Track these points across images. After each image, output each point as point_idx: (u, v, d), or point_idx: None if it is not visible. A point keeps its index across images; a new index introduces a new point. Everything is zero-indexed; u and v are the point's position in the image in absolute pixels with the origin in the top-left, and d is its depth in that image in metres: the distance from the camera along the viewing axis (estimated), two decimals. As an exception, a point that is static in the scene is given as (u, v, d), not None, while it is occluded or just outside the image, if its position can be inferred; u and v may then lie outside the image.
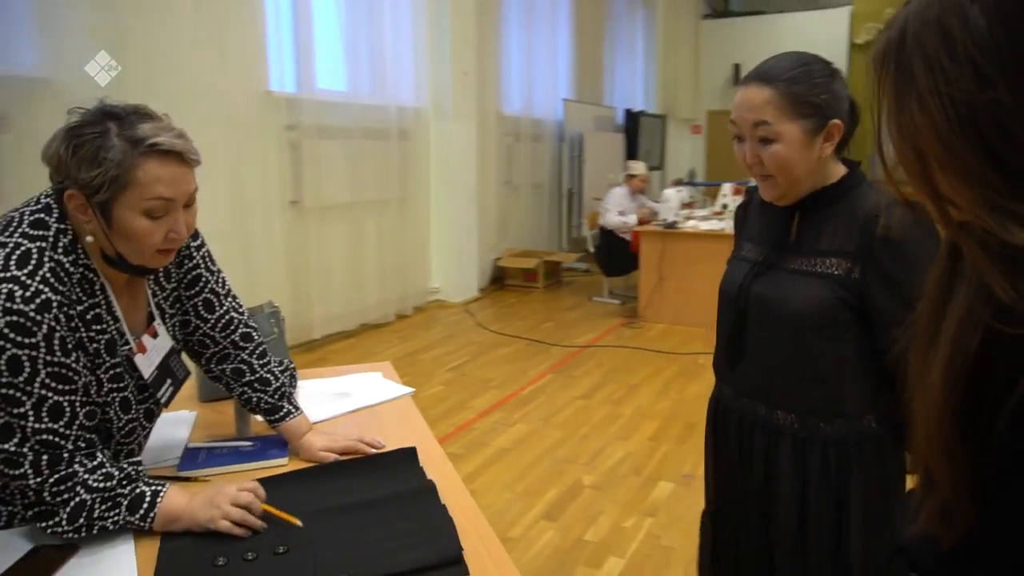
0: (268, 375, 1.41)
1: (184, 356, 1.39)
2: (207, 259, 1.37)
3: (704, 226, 5.70)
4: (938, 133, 0.57)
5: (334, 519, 1.16)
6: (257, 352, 1.42)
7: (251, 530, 1.11)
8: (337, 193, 5.08)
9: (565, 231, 8.65)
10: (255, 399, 1.40)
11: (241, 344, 1.41)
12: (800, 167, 1.14)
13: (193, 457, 1.39)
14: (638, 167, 6.60)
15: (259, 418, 1.52)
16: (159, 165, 1.06)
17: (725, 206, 6.49)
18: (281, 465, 1.38)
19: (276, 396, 1.42)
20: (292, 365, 1.50)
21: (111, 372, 1.17)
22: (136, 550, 1.09)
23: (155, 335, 1.27)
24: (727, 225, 5.75)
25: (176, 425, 1.57)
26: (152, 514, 1.10)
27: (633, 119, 9.96)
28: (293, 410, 1.43)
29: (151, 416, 1.31)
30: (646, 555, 2.44)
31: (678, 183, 7.83)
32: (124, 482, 1.10)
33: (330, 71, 5.08)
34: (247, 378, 1.40)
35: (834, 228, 1.15)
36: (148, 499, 1.11)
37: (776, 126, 1.11)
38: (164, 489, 1.13)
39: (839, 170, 1.19)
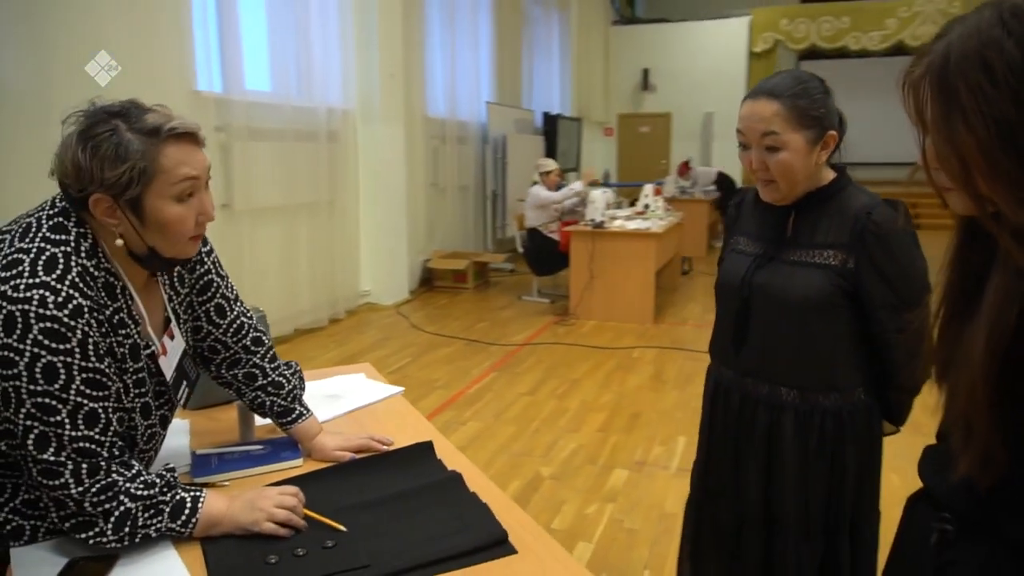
0: (280, 378, 1.43)
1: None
2: (217, 264, 1.38)
3: (631, 225, 5.93)
4: (981, 146, 0.69)
5: (371, 513, 1.19)
6: (268, 356, 1.44)
7: (294, 530, 1.14)
8: (269, 196, 4.98)
9: (490, 232, 8.76)
10: (268, 402, 1.42)
11: (252, 348, 1.42)
12: (801, 172, 1.29)
13: (205, 463, 1.38)
14: (549, 163, 6.78)
15: (263, 421, 1.53)
16: (178, 148, 1.08)
17: (647, 206, 6.77)
18: (297, 466, 1.39)
19: (289, 399, 1.43)
20: (298, 367, 1.52)
21: (136, 377, 1.16)
22: (179, 555, 1.10)
23: (172, 337, 1.27)
24: (652, 224, 6.02)
25: (172, 434, 1.55)
26: (194, 519, 1.11)
27: (551, 122, 10.20)
28: (305, 412, 1.45)
29: (165, 422, 1.30)
30: (612, 538, 2.56)
31: (594, 184, 8.11)
32: (165, 489, 1.10)
33: (258, 71, 4.97)
34: (260, 382, 1.41)
35: (828, 224, 1.31)
36: (189, 505, 1.11)
37: (783, 136, 1.26)
38: (204, 495, 1.14)
39: (829, 174, 1.36)
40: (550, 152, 9.74)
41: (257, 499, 1.14)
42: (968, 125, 0.69)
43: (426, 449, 1.43)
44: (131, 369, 1.15)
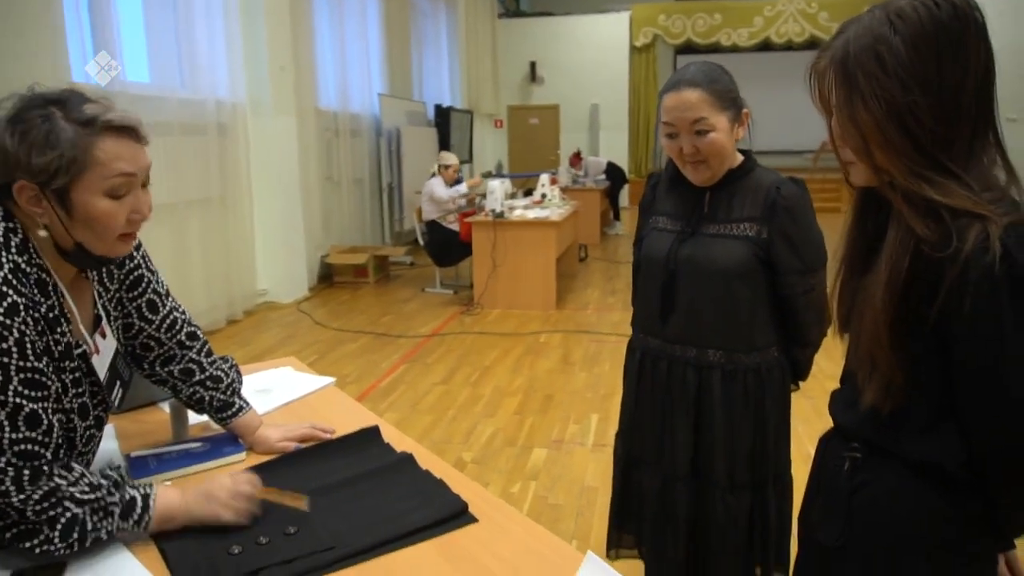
0: (219, 372, 1.40)
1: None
2: (147, 259, 1.34)
3: (531, 215, 6.06)
4: (877, 123, 0.85)
5: (328, 498, 1.20)
6: (204, 351, 1.41)
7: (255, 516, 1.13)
8: (156, 193, 4.68)
9: (388, 225, 8.67)
10: (207, 397, 1.39)
11: (188, 344, 1.38)
12: (728, 150, 1.43)
13: (142, 465, 1.34)
14: (451, 158, 6.83)
15: (197, 419, 1.49)
16: (116, 142, 1.05)
17: (544, 195, 6.93)
18: (240, 460, 1.38)
19: (228, 393, 1.41)
20: (234, 361, 1.49)
21: (72, 376, 1.12)
22: (136, 557, 1.07)
23: (104, 336, 1.22)
24: (551, 213, 6.17)
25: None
26: (147, 516, 1.08)
27: (443, 114, 10.20)
28: (245, 405, 1.43)
29: (101, 424, 1.25)
30: (539, 513, 2.65)
31: (488, 176, 8.23)
32: (112, 490, 1.06)
33: (137, 62, 4.69)
34: (197, 377, 1.38)
35: (743, 200, 1.45)
36: (140, 503, 1.08)
37: (711, 119, 1.39)
38: (154, 490, 1.10)
39: (739, 156, 1.50)
40: (443, 144, 9.75)
41: (213, 490, 1.12)
42: (866, 106, 0.85)
43: (372, 434, 1.45)
44: (68, 368, 1.11)
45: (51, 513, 1.00)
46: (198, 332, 1.41)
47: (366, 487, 1.25)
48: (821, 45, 0.92)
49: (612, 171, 10.09)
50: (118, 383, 1.27)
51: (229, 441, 1.42)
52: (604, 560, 0.98)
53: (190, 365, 1.38)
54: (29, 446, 1.00)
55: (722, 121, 1.40)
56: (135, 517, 1.07)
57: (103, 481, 1.07)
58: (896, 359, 0.87)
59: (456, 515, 1.16)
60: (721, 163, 1.45)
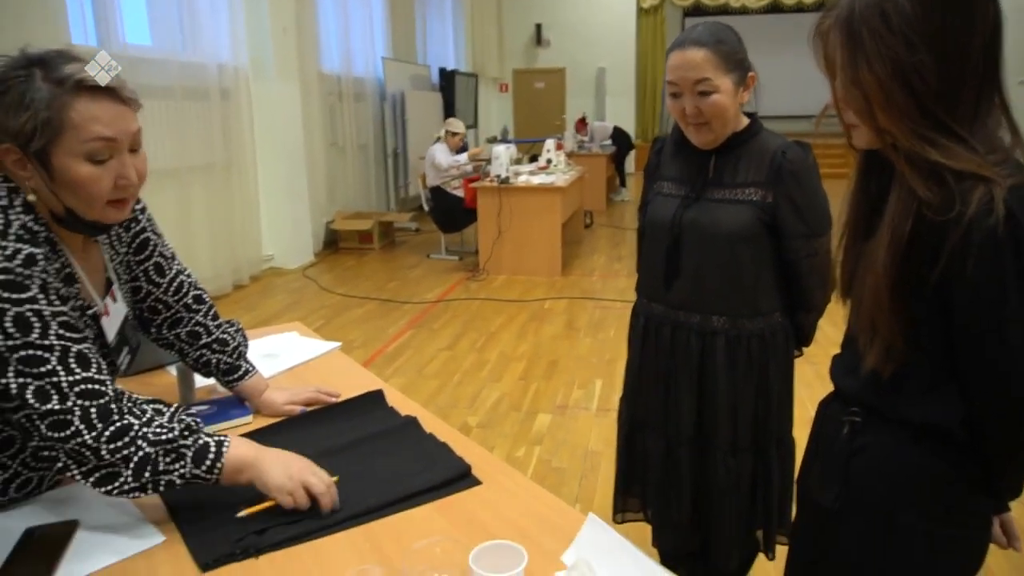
0: (225, 335, 1.41)
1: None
2: (152, 222, 1.33)
3: (536, 180, 6.02)
4: (881, 84, 0.84)
5: (333, 461, 1.20)
6: (211, 314, 1.41)
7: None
8: (158, 159, 4.70)
9: (393, 191, 8.63)
10: (214, 360, 1.40)
11: (194, 307, 1.39)
12: (731, 112, 1.41)
13: (150, 427, 1.36)
14: (459, 125, 6.77)
15: (203, 383, 1.51)
16: (92, 103, 1.00)
17: (550, 161, 6.87)
18: (247, 423, 1.39)
19: (234, 356, 1.42)
20: (240, 324, 1.50)
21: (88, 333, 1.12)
22: (146, 516, 1.09)
23: (115, 299, 1.23)
24: (556, 178, 6.13)
25: (106, 401, 1.50)
26: (220, 464, 1.05)
27: (448, 78, 10.06)
28: (251, 368, 1.44)
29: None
30: (543, 477, 2.69)
31: (493, 141, 8.16)
32: (186, 433, 1.05)
33: (137, 24, 4.64)
34: (204, 340, 1.39)
35: (748, 164, 1.43)
36: (214, 449, 1.05)
37: (715, 80, 1.37)
38: (228, 439, 1.08)
39: (744, 120, 1.47)
40: (448, 109, 9.65)
41: (290, 462, 1.09)
42: (870, 66, 0.83)
43: (377, 397, 1.46)
44: (83, 325, 1.11)
45: (124, 452, 0.99)
46: (204, 296, 1.42)
47: (370, 450, 1.26)
48: (827, 4, 0.90)
49: (618, 136, 9.98)
50: (126, 348, 1.28)
51: (235, 404, 1.44)
52: (607, 523, 1.00)
53: (197, 328, 1.39)
54: (89, 385, 0.99)
55: (726, 83, 1.38)
56: (207, 464, 1.05)
57: (176, 424, 1.05)
58: (897, 322, 0.87)
59: (460, 477, 1.17)
60: (724, 126, 1.43)
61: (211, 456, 1.05)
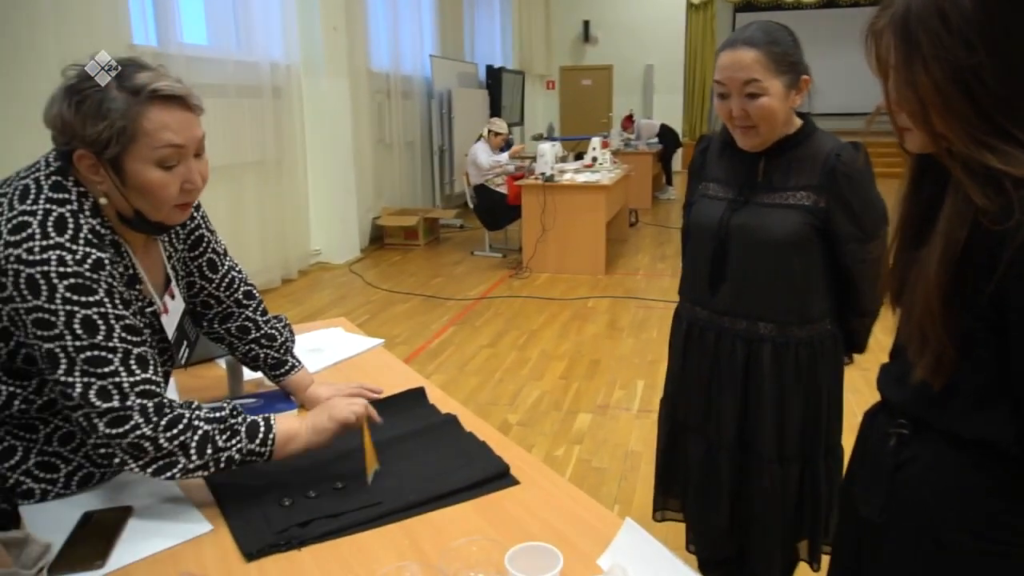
0: (273, 331, 1.45)
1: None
2: (206, 219, 1.38)
3: (580, 178, 5.99)
4: (937, 87, 0.80)
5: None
6: (260, 310, 1.45)
7: (303, 474, 1.17)
8: (216, 155, 4.80)
9: (439, 188, 8.70)
10: (262, 355, 1.44)
11: (244, 302, 1.43)
12: (780, 117, 1.37)
13: (200, 418, 1.40)
14: (502, 126, 6.79)
15: (251, 376, 1.55)
16: (164, 112, 1.05)
17: (595, 159, 6.84)
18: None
19: (282, 351, 1.46)
20: (287, 320, 1.54)
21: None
22: (196, 506, 1.13)
23: (173, 296, 1.27)
24: (600, 177, 6.10)
25: (160, 392, 1.56)
26: (271, 436, 1.12)
27: (495, 75, 10.09)
28: (297, 364, 1.48)
29: (166, 379, 1.31)
30: (582, 477, 2.68)
31: (538, 138, 8.14)
32: (235, 413, 1.11)
33: (194, 24, 4.77)
34: (253, 335, 1.43)
35: (800, 168, 1.40)
36: (263, 425, 1.12)
37: (764, 82, 1.33)
38: (273, 416, 1.15)
39: (797, 120, 1.44)
40: (494, 106, 9.68)
41: (329, 402, 1.22)
42: (927, 68, 0.79)
43: (419, 395, 1.48)
44: (143, 325, 1.15)
45: (182, 439, 1.04)
46: (254, 291, 1.46)
47: (411, 447, 1.28)
48: (882, 2, 0.87)
49: (665, 134, 9.86)
50: (185, 342, 1.33)
51: (281, 398, 1.48)
52: (644, 528, 1.00)
53: (246, 323, 1.43)
54: (148, 386, 1.04)
55: (776, 86, 1.34)
56: (260, 437, 1.11)
57: (224, 406, 1.12)
58: (949, 334, 0.84)
59: (498, 476, 1.18)
60: (771, 130, 1.39)
61: (262, 431, 1.12)
